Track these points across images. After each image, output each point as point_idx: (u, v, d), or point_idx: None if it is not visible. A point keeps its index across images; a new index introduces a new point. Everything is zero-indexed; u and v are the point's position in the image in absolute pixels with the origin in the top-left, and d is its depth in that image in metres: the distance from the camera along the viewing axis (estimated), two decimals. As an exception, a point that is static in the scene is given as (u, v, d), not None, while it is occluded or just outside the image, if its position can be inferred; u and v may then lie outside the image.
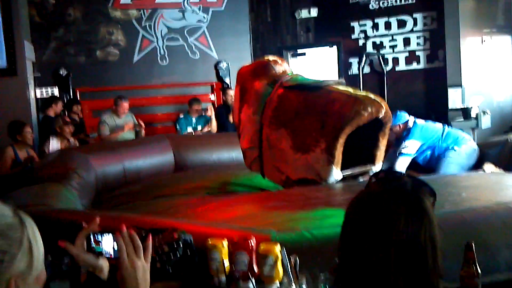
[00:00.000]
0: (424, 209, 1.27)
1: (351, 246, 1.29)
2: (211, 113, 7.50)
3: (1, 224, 1.19)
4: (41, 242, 1.28)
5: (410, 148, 5.37)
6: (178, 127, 7.48)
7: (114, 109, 7.03)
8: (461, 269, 1.92)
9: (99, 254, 1.70)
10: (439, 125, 5.52)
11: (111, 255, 1.69)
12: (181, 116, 7.59)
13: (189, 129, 7.43)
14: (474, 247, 1.92)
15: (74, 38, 8.36)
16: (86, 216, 3.03)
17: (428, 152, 5.42)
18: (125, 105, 7.03)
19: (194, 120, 7.47)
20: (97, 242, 1.70)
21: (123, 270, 1.39)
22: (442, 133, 5.41)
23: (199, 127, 7.43)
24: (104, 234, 1.69)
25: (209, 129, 7.41)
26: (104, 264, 1.72)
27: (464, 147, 5.28)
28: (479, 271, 1.92)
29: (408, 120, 5.55)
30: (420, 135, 5.38)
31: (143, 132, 7.15)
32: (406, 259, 1.24)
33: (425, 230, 1.25)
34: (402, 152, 5.37)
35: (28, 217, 1.29)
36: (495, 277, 2.25)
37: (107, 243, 1.68)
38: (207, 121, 7.45)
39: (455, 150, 5.27)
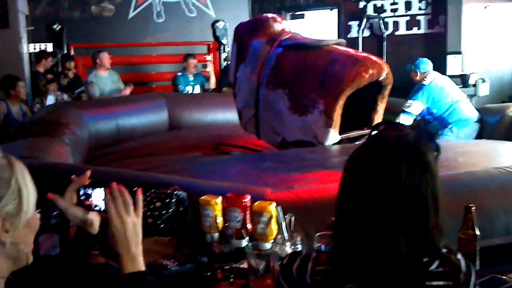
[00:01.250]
0: (426, 162, 1.22)
1: (349, 198, 1.24)
2: (210, 69, 7.29)
3: None
4: (33, 187, 1.24)
5: (413, 108, 5.19)
6: (178, 85, 7.15)
7: (98, 65, 6.75)
8: (459, 230, 1.89)
9: (89, 207, 1.65)
10: (453, 95, 5.25)
11: (101, 209, 1.65)
12: (179, 74, 7.32)
13: (187, 88, 7.17)
14: (473, 210, 1.88)
15: (68, -8, 8.17)
16: (77, 169, 2.97)
17: (429, 119, 5.28)
18: (107, 56, 6.72)
19: (191, 77, 7.24)
20: (88, 196, 1.66)
21: (112, 227, 1.35)
22: (450, 107, 5.18)
23: (197, 86, 7.24)
24: (95, 188, 1.65)
25: (211, 87, 7.26)
26: (94, 218, 1.68)
27: (464, 130, 5.11)
28: (478, 233, 1.89)
29: (428, 72, 5.32)
30: (427, 98, 5.18)
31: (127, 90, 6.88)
32: (406, 212, 1.19)
33: (427, 183, 1.20)
34: (404, 110, 5.22)
35: (19, 161, 1.25)
36: (492, 241, 2.23)
37: (98, 197, 1.64)
38: (206, 79, 7.27)
39: (452, 132, 5.13)
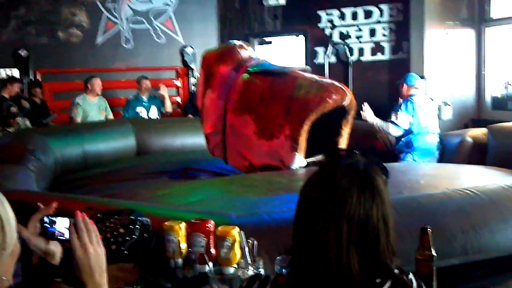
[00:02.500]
0: (376, 187, 1.27)
1: (304, 225, 1.28)
2: (164, 92, 7.25)
3: None
4: (12, 214, 1.25)
5: (401, 121, 5.26)
6: (127, 110, 7.05)
7: (88, 89, 6.78)
8: (416, 251, 1.94)
9: (52, 237, 1.65)
10: (429, 121, 5.35)
11: (65, 237, 1.65)
12: (131, 97, 7.24)
13: (139, 109, 7.08)
14: (430, 231, 1.94)
15: (35, 18, 8.12)
16: (41, 197, 2.94)
17: (403, 135, 5.34)
18: (99, 82, 6.79)
19: (145, 98, 7.15)
20: (52, 223, 1.65)
21: (75, 257, 1.36)
22: (421, 131, 5.27)
23: (153, 108, 7.19)
24: (59, 217, 1.65)
25: (167, 110, 7.22)
26: (56, 249, 1.67)
27: (424, 160, 5.20)
28: (434, 254, 1.94)
29: (415, 86, 5.40)
30: (412, 113, 5.25)
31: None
32: (358, 237, 1.23)
33: (377, 208, 1.25)
34: (393, 121, 5.30)
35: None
36: (450, 261, 2.29)
37: (62, 225, 1.63)
38: (162, 102, 7.23)
39: (414, 160, 5.21)
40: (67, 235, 1.61)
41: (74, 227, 1.38)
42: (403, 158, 5.26)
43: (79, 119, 6.67)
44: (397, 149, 5.41)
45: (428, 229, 1.94)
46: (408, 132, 5.30)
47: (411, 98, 5.32)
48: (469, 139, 5.11)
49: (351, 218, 1.22)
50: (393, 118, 5.32)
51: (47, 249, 1.63)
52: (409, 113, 5.25)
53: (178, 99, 8.64)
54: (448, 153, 5.29)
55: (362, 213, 1.23)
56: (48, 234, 1.64)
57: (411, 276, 1.33)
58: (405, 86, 5.43)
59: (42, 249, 1.64)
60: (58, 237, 1.61)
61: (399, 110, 5.31)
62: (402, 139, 5.35)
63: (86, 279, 1.35)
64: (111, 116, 7.10)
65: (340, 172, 1.27)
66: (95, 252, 1.36)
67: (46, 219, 1.65)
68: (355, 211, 1.23)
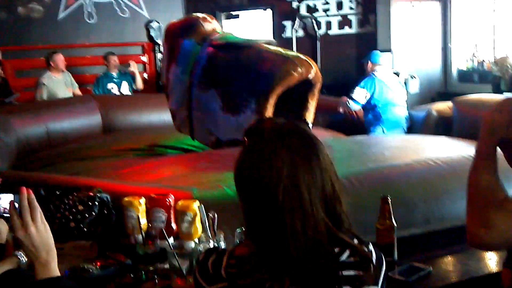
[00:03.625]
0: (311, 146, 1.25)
1: (244, 198, 1.28)
2: (134, 69, 7.15)
3: None
4: None
5: (358, 95, 5.46)
6: (96, 86, 6.97)
7: (52, 67, 6.59)
8: (377, 221, 1.95)
9: None
10: (394, 94, 5.54)
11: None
12: (101, 75, 7.13)
13: (110, 85, 6.98)
14: (390, 201, 1.94)
15: (-7, -7, 7.84)
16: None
17: (368, 109, 5.52)
18: (61, 58, 6.61)
19: (115, 75, 7.05)
20: None
21: (17, 237, 1.31)
22: (387, 104, 5.45)
23: (124, 84, 7.06)
24: (3, 193, 1.59)
25: (138, 87, 7.12)
26: (3, 226, 1.62)
27: (393, 131, 5.38)
28: (395, 224, 1.95)
29: (378, 64, 5.59)
30: (373, 89, 5.45)
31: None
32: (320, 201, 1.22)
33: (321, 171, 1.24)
34: (351, 96, 5.49)
35: None
36: (412, 231, 2.31)
37: (6, 202, 1.57)
38: (133, 78, 7.12)
39: (383, 132, 5.39)
40: None
41: (11, 206, 1.32)
42: (373, 131, 5.39)
43: (44, 99, 6.50)
44: (366, 122, 5.52)
45: (388, 198, 1.94)
46: (372, 106, 5.47)
47: (373, 74, 5.55)
48: (434, 113, 5.16)
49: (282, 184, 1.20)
50: (352, 93, 5.52)
51: None
52: (365, 88, 5.47)
53: (145, 75, 8.49)
54: (415, 126, 5.38)
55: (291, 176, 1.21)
56: None
57: (371, 247, 1.32)
58: (369, 63, 5.64)
59: None
60: (3, 214, 1.56)
61: (358, 85, 5.52)
62: (370, 113, 5.46)
63: (32, 257, 1.30)
64: (77, 91, 6.92)
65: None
66: (37, 230, 1.31)
67: None
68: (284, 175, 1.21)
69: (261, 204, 1.23)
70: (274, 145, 1.23)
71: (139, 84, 7.10)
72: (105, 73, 7.08)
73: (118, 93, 6.99)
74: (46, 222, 1.33)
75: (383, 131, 5.39)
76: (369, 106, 5.51)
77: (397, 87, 5.67)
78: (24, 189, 1.32)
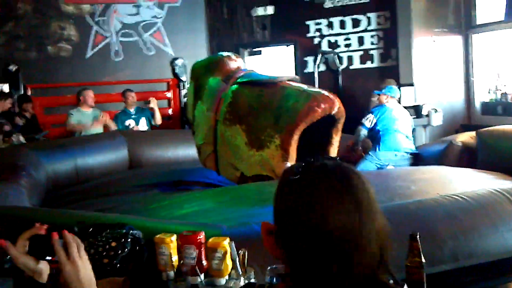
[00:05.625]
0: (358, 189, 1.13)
1: (285, 239, 1.16)
2: (154, 105, 7.22)
3: None
4: None
5: (366, 120, 5.73)
6: (116, 123, 6.97)
7: (81, 102, 6.74)
8: (406, 259, 1.95)
9: (42, 257, 1.64)
10: (399, 123, 5.73)
11: (53, 258, 1.64)
12: (119, 112, 7.20)
13: (128, 122, 7.02)
14: (419, 238, 1.95)
15: (24, 33, 8.12)
16: (33, 212, 2.94)
17: (371, 133, 5.77)
18: (91, 94, 6.77)
19: (133, 111, 7.12)
20: (41, 244, 1.65)
21: (64, 272, 1.35)
22: (389, 129, 5.65)
23: (143, 120, 7.18)
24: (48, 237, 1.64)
25: (156, 123, 7.20)
26: (44, 268, 1.67)
27: (384, 153, 5.61)
28: (423, 261, 1.95)
29: (392, 96, 5.85)
30: (378, 113, 5.71)
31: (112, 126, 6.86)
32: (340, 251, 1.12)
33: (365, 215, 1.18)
34: (361, 122, 5.75)
35: None
36: (440, 267, 2.31)
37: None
38: (152, 114, 7.21)
39: (376, 152, 5.63)
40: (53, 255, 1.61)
41: (57, 244, 1.37)
42: (367, 155, 5.71)
43: (73, 124, 6.61)
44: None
45: (417, 236, 1.95)
46: (376, 130, 5.73)
47: (385, 104, 5.82)
48: (458, 143, 5.15)
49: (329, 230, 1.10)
50: (363, 119, 5.80)
51: (35, 267, 1.63)
52: (373, 113, 5.74)
53: (170, 111, 8.65)
54: (438, 157, 5.34)
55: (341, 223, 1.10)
56: (38, 254, 1.63)
57: (405, 287, 1.31)
58: (386, 96, 5.87)
59: (31, 268, 1.63)
60: (46, 257, 1.61)
61: (371, 111, 5.81)
62: (373, 135, 5.79)
63: None
64: (112, 124, 6.95)
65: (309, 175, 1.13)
66: (84, 265, 1.36)
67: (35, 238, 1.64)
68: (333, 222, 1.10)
69: (318, 249, 1.12)
70: (339, 190, 1.12)
71: (158, 120, 7.18)
72: (123, 110, 7.18)
73: (135, 129, 7.05)
74: (87, 259, 1.38)
75: (378, 148, 5.63)
76: (373, 129, 5.74)
77: (404, 118, 5.86)
78: (66, 232, 1.38)
